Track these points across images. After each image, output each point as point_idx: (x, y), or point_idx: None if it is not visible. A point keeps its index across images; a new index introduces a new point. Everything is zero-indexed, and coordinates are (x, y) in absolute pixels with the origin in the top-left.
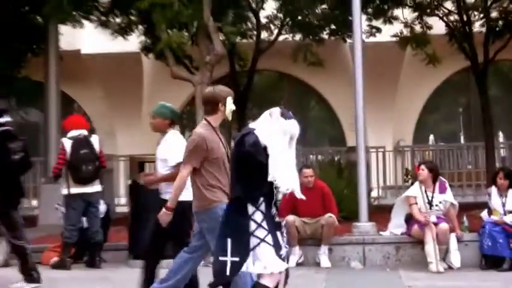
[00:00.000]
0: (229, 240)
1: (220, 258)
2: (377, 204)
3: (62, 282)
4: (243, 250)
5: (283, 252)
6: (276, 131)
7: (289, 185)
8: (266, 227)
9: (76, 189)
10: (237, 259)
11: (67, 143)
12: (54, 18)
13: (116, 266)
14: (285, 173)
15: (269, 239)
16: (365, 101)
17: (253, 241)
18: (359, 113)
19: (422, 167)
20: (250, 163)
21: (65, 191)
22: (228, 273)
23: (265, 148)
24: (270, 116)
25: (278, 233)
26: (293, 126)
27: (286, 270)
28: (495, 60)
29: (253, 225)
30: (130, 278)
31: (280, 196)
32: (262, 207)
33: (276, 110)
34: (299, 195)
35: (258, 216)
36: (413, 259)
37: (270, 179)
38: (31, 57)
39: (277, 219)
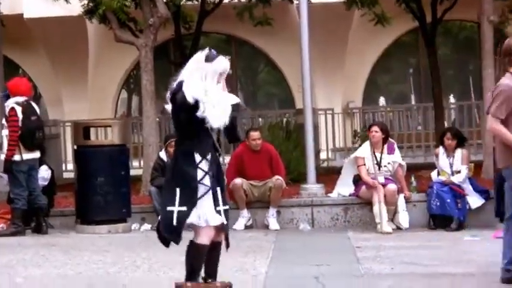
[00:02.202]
0: (177, 190)
1: (168, 208)
2: (326, 166)
3: (10, 248)
4: (190, 199)
5: (221, 208)
6: (201, 80)
7: (219, 122)
8: (210, 177)
9: (26, 155)
10: (184, 208)
11: (18, 109)
12: None
13: (64, 232)
14: (213, 112)
15: (212, 190)
16: (311, 62)
17: (201, 189)
18: (306, 74)
19: (376, 128)
20: (187, 117)
21: (17, 157)
22: (174, 223)
23: (196, 101)
24: (196, 64)
25: (218, 188)
26: (220, 65)
27: (226, 230)
28: (444, 21)
29: (200, 174)
30: (78, 243)
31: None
32: (209, 156)
33: (200, 57)
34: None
35: (205, 165)
36: (361, 220)
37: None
38: None
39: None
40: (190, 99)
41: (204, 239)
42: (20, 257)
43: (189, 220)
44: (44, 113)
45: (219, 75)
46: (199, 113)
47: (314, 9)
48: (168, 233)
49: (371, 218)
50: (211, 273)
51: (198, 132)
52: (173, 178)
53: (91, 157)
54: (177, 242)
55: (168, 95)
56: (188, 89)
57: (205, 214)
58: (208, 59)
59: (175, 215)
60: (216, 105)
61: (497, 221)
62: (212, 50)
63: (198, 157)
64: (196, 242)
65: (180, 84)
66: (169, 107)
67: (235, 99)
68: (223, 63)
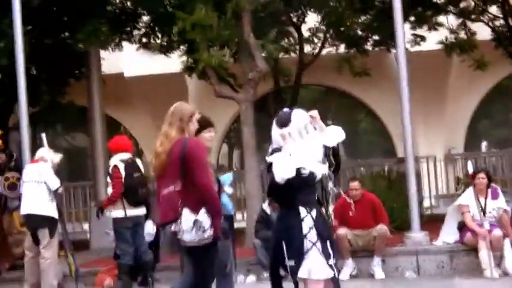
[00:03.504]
0: (283, 244)
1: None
2: (429, 213)
3: None
4: (297, 253)
5: (331, 261)
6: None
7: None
8: (316, 232)
9: (130, 212)
10: (292, 263)
11: (121, 166)
12: (89, 43)
13: (169, 286)
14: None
15: (319, 244)
16: (411, 109)
17: (306, 244)
18: (406, 122)
19: (482, 175)
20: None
21: (120, 214)
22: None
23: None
24: (283, 139)
25: (328, 242)
26: (298, 123)
27: (337, 282)
28: None
29: (305, 228)
30: None
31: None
32: (313, 212)
33: (283, 133)
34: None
35: (309, 221)
36: (467, 267)
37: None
38: (74, 82)
39: (329, 223)
40: (279, 180)
41: None
42: None
43: (300, 275)
44: (146, 169)
45: (304, 128)
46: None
47: (412, 57)
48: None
49: (477, 265)
50: None
51: (301, 188)
52: (279, 232)
53: None
54: None
55: (265, 166)
56: (277, 169)
57: (313, 268)
58: (282, 124)
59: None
60: (315, 162)
61: None
62: (284, 112)
63: (303, 212)
64: None
65: (268, 159)
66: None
67: (340, 135)
68: (300, 117)
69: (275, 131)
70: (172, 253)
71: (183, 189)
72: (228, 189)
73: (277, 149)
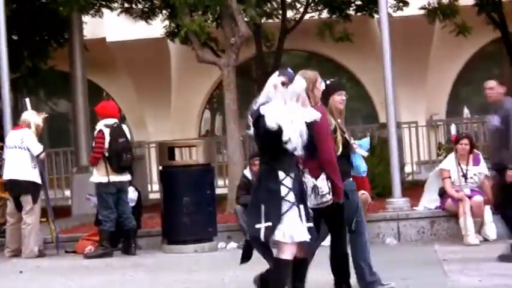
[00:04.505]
0: (262, 207)
1: (256, 225)
2: (411, 179)
3: (98, 270)
4: (274, 215)
5: (305, 225)
6: (282, 105)
7: (300, 145)
8: (294, 193)
9: (114, 177)
10: (269, 224)
11: (106, 131)
12: (69, 8)
13: (150, 252)
14: (295, 135)
15: (297, 206)
16: (394, 76)
17: (284, 205)
18: (388, 88)
19: (465, 141)
20: (270, 141)
21: (104, 179)
22: (262, 238)
23: (278, 127)
24: (275, 89)
25: (302, 206)
26: (298, 87)
27: (311, 246)
28: None
29: (284, 190)
30: (165, 263)
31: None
32: (293, 174)
33: (277, 82)
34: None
35: (288, 182)
36: (448, 233)
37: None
38: (56, 48)
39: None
40: (273, 125)
41: (287, 255)
42: (108, 278)
43: (276, 238)
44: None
45: (299, 95)
46: (284, 138)
47: (395, 23)
48: (260, 251)
49: (458, 231)
50: None
51: (280, 153)
52: (258, 196)
53: (176, 177)
54: (270, 257)
55: (249, 119)
56: (270, 115)
57: (290, 230)
58: (286, 83)
59: (262, 231)
60: (297, 129)
61: None
62: (288, 70)
63: (281, 174)
64: (280, 258)
65: (260, 107)
66: (251, 130)
67: (315, 115)
68: (300, 83)
69: (274, 77)
70: None
71: (304, 154)
72: (363, 153)
73: (264, 104)
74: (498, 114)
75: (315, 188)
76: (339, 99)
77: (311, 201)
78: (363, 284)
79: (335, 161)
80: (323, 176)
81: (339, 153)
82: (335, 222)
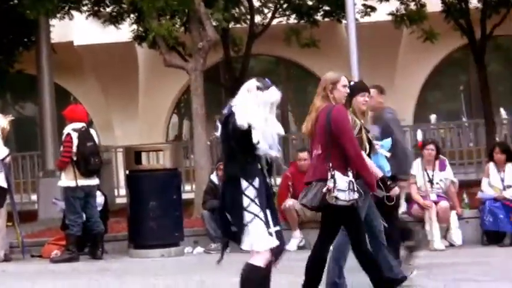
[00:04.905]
0: (228, 215)
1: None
2: None
3: (64, 275)
4: (239, 224)
5: (273, 229)
6: (255, 107)
7: (269, 150)
8: (258, 203)
9: (82, 182)
10: (235, 229)
11: (74, 135)
12: (35, 11)
13: (117, 257)
14: (265, 140)
15: (261, 215)
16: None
17: (246, 216)
18: None
19: (431, 146)
20: (238, 143)
21: (72, 183)
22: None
23: (249, 126)
24: (248, 92)
25: (268, 211)
26: (272, 96)
27: (281, 249)
28: (493, 36)
29: (246, 201)
30: (131, 267)
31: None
32: (256, 182)
33: (252, 86)
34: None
35: (251, 192)
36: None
37: (254, 141)
38: (23, 51)
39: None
40: (243, 123)
41: (260, 261)
42: (74, 283)
43: (244, 247)
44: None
45: (270, 105)
46: (254, 139)
47: (362, 29)
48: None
49: (424, 236)
50: None
51: (245, 157)
52: (223, 203)
53: (143, 182)
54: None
55: (219, 118)
56: (242, 114)
57: (255, 240)
58: (261, 88)
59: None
60: (268, 134)
61: None
62: (266, 79)
63: (244, 184)
64: (252, 264)
65: (232, 108)
66: (219, 131)
67: (280, 130)
68: (275, 94)
69: (250, 82)
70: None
71: (329, 153)
72: (386, 153)
73: (233, 110)
74: (378, 125)
75: (350, 184)
76: (362, 100)
77: (345, 197)
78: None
79: (362, 155)
80: (351, 175)
81: (366, 152)
82: (353, 220)
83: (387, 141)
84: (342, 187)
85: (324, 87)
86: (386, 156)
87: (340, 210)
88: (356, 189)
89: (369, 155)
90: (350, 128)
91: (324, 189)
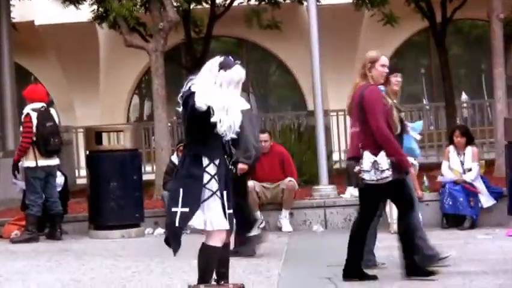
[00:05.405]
0: (181, 191)
1: (172, 209)
2: (339, 167)
3: (24, 255)
4: (193, 201)
5: (228, 211)
6: (216, 87)
7: (230, 130)
8: (218, 180)
9: (42, 162)
10: (186, 209)
11: (33, 115)
12: None
13: (77, 237)
14: (226, 119)
15: (219, 193)
16: (322, 63)
17: (204, 193)
18: (316, 76)
19: None
20: (197, 123)
21: (32, 164)
22: (177, 223)
23: (208, 107)
24: (210, 72)
25: (225, 192)
26: (236, 74)
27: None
28: (454, 20)
29: (206, 177)
30: (91, 248)
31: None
32: (217, 161)
33: (214, 65)
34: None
35: (212, 169)
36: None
37: (212, 121)
38: None
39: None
40: (201, 105)
41: (216, 241)
42: (34, 263)
43: (196, 225)
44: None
45: (235, 83)
46: (212, 119)
47: (323, 11)
48: (171, 236)
49: (384, 219)
50: (223, 275)
51: (207, 136)
52: (178, 179)
53: (103, 162)
54: (175, 248)
55: (180, 98)
56: (200, 95)
57: (212, 218)
58: (224, 67)
59: (177, 216)
60: (229, 112)
61: (510, 219)
62: (229, 57)
63: (205, 161)
64: (208, 245)
65: (192, 88)
66: (180, 110)
67: (245, 105)
68: (239, 72)
69: (213, 60)
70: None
71: (362, 131)
72: (417, 136)
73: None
74: None
75: (375, 164)
76: (394, 80)
77: (371, 177)
78: (421, 258)
79: (389, 135)
80: (382, 153)
81: (398, 131)
82: (398, 197)
83: (419, 123)
84: (366, 167)
85: (364, 65)
86: (416, 139)
87: (372, 188)
88: (383, 168)
89: (400, 135)
90: (379, 109)
91: (356, 170)
